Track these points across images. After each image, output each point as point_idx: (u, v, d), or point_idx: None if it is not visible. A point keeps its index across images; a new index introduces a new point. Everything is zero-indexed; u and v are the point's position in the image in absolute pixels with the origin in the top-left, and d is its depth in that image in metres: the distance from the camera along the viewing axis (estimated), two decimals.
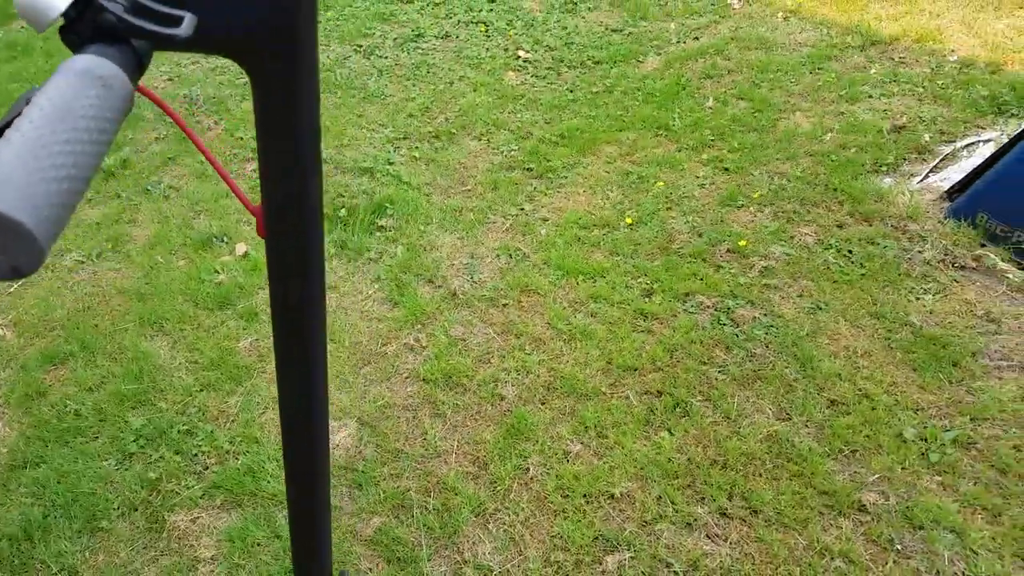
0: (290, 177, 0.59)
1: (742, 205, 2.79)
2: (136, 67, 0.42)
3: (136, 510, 1.96)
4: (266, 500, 1.95)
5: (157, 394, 2.25)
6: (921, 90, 3.37)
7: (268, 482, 1.98)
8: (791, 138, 3.11)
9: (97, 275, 2.74)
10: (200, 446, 2.10)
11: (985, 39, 3.72)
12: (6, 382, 2.35)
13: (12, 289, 2.71)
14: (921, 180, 2.87)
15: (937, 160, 2.94)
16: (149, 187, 3.17)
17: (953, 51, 3.67)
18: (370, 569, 1.79)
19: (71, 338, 2.46)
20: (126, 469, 2.06)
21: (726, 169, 2.99)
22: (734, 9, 4.27)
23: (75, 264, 2.80)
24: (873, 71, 3.56)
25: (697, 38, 4.00)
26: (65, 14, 0.40)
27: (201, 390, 2.26)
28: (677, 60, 3.79)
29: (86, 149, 0.35)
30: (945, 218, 2.62)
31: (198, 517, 1.94)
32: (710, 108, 3.37)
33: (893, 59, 3.66)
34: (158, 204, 3.07)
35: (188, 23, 0.43)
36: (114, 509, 1.96)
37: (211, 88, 3.89)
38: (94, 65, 0.39)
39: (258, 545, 1.85)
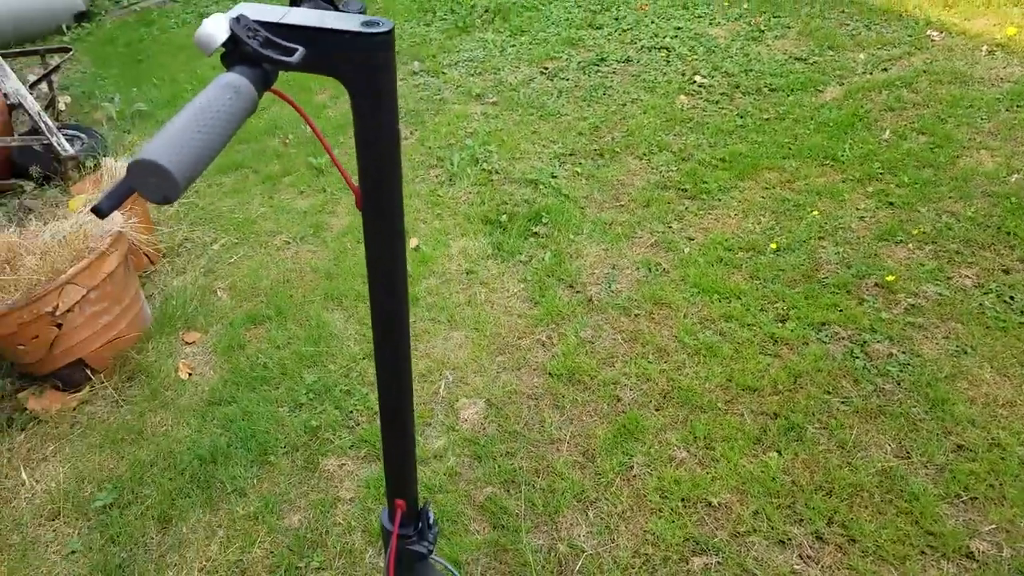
0: (378, 164, 0.83)
1: (900, 241, 2.71)
2: (263, 82, 0.66)
3: (297, 450, 2.33)
4: None
5: (329, 357, 2.64)
6: None
7: None
8: (969, 177, 2.95)
9: (298, 254, 3.23)
10: (356, 405, 2.44)
11: None
12: (217, 334, 2.87)
13: (232, 260, 3.27)
14: None
15: None
16: None
17: None
18: (477, 530, 2.01)
19: (271, 304, 2.94)
20: (295, 416, 2.45)
21: (891, 203, 2.91)
22: (933, 41, 4.06)
23: (283, 244, 3.31)
24: None
25: (886, 69, 3.86)
26: (224, 44, 0.65)
27: (363, 358, 2.61)
28: (859, 91, 3.69)
29: (215, 131, 0.59)
30: None
31: (344, 464, 2.27)
32: (885, 141, 3.27)
33: None
34: (353, 199, 3.53)
35: (299, 55, 0.67)
36: (281, 447, 2.35)
37: (411, 103, 4.37)
38: (232, 80, 0.63)
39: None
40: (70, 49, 4.43)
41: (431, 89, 4.51)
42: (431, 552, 1.31)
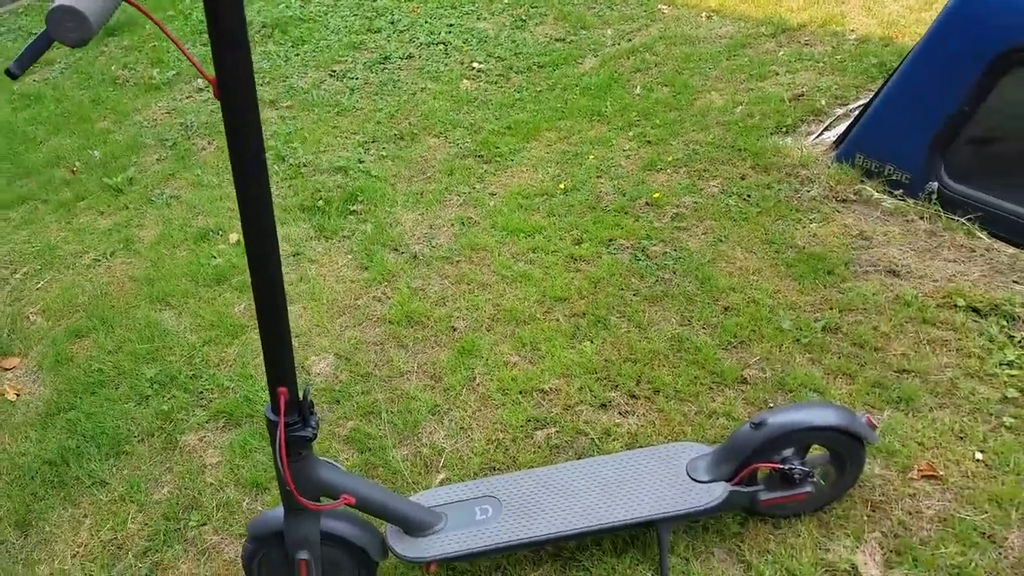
0: (232, 49, 1.03)
1: (660, 168, 3.24)
2: None
3: (153, 435, 2.38)
4: (260, 420, 2.36)
5: (167, 351, 2.68)
6: (822, 65, 3.84)
7: (261, 406, 2.39)
8: (706, 113, 3.57)
9: (111, 268, 3.19)
10: (205, 385, 2.52)
11: (882, 19, 4.20)
12: (40, 354, 2.79)
13: (40, 285, 3.16)
14: (816, 137, 3.32)
15: (830, 120, 3.39)
16: (153, 198, 3.63)
17: (853, 31, 4.14)
18: (347, 458, 2.19)
19: (92, 316, 2.90)
20: (144, 407, 2.48)
21: (648, 142, 3.45)
22: (664, 13, 4.77)
23: (92, 262, 3.25)
24: (781, 53, 4.03)
25: (630, 40, 4.49)
26: None
27: (204, 345, 2.69)
28: (611, 59, 4.27)
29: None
30: (831, 163, 3.06)
31: (204, 436, 2.36)
32: (637, 95, 3.85)
33: (800, 42, 4.14)
34: (161, 211, 3.53)
35: None
36: (135, 436, 2.38)
37: (204, 116, 4.38)
38: None
39: (253, 451, 2.26)
40: None
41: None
42: (315, 436, 1.49)
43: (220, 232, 3.30)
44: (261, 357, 2.58)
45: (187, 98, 4.64)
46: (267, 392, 2.43)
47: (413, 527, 1.72)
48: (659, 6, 4.85)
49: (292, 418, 1.44)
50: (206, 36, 5.35)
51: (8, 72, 0.81)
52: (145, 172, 3.87)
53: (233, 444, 2.29)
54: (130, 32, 5.59)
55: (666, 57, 4.18)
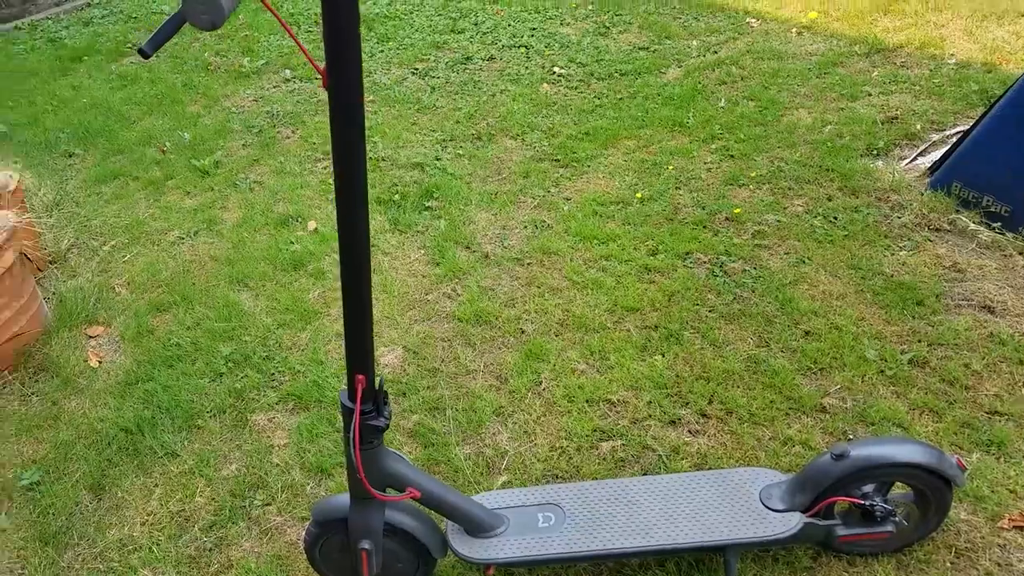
0: (342, 42, 1.03)
1: (742, 184, 3.17)
2: None
3: (224, 412, 2.43)
4: (328, 405, 2.39)
5: (242, 330, 2.75)
6: (918, 88, 3.69)
7: (330, 392, 2.43)
8: (792, 130, 3.48)
9: (194, 247, 3.29)
10: (277, 367, 2.57)
11: (984, 44, 4.02)
12: (123, 324, 2.89)
13: (126, 258, 3.27)
14: (909, 162, 3.19)
15: (925, 145, 3.26)
16: (237, 182, 3.73)
17: (952, 55, 3.98)
18: (410, 451, 2.20)
19: (173, 292, 2.99)
20: (217, 384, 2.54)
21: (731, 156, 3.37)
22: (752, 27, 4.67)
23: (176, 239, 3.36)
24: (875, 74, 3.90)
25: (716, 52, 4.42)
26: None
27: (278, 328, 2.74)
28: (696, 70, 4.20)
29: None
30: (925, 190, 2.94)
31: (274, 417, 2.40)
32: (722, 107, 3.77)
33: (895, 63, 3.99)
34: (244, 195, 3.62)
35: None
36: (207, 412, 2.44)
37: (289, 106, 4.49)
38: None
39: (320, 436, 2.29)
40: None
41: (305, 93, 4.65)
42: (387, 427, 1.50)
43: (300, 219, 3.36)
44: (332, 344, 2.63)
45: (274, 87, 4.76)
46: (336, 379, 2.47)
47: (475, 528, 1.71)
48: (748, 20, 4.75)
49: (367, 407, 1.45)
50: (300, 27, 5.47)
51: (141, 51, 0.83)
52: (231, 156, 3.98)
53: (301, 427, 2.32)
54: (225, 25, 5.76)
55: (753, 71, 4.09)
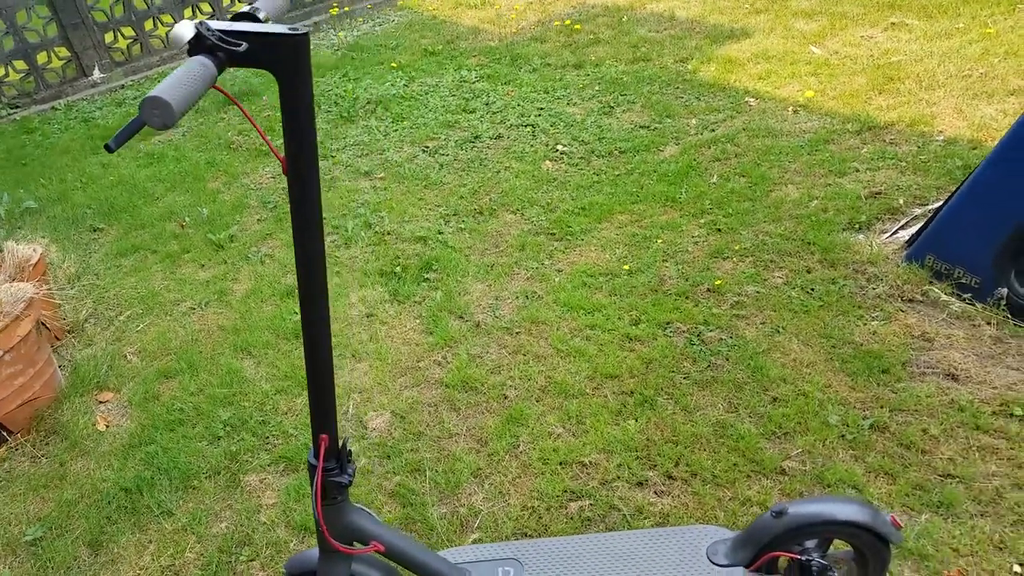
0: (299, 137, 1.21)
1: (727, 256, 3.29)
2: (218, 66, 1.05)
3: (219, 473, 2.56)
4: None
5: (242, 396, 2.90)
6: (904, 164, 3.82)
7: None
8: (779, 205, 3.61)
9: (204, 317, 3.49)
10: (271, 431, 2.71)
11: (972, 121, 4.15)
12: (131, 391, 3.06)
13: (140, 328, 3.48)
14: (890, 236, 3.29)
15: (907, 220, 3.36)
16: (249, 255, 3.96)
17: (941, 132, 4.11)
18: (389, 511, 2.30)
19: (181, 359, 3.17)
20: (215, 447, 2.68)
21: (718, 230, 3.51)
22: (750, 106, 4.87)
23: (188, 310, 3.56)
24: (864, 150, 4.04)
25: (713, 130, 4.61)
26: (190, 41, 1.04)
27: (275, 394, 2.89)
28: (692, 147, 4.39)
29: (194, 85, 0.97)
30: (901, 262, 3.03)
31: (265, 478, 2.52)
32: (713, 183, 3.93)
33: (885, 140, 4.13)
34: (255, 267, 3.84)
35: (244, 47, 1.06)
36: (203, 473, 2.58)
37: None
38: (200, 59, 1.02)
39: (306, 495, 2.40)
40: None
41: (321, 170, 4.93)
42: (351, 483, 1.62)
43: None
44: None
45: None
46: None
47: None
48: (747, 99, 4.95)
49: (330, 464, 1.57)
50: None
51: (106, 147, 1.00)
52: (245, 231, 4.22)
53: (289, 488, 2.44)
54: (248, 101, 6.16)
55: (747, 148, 4.26)
